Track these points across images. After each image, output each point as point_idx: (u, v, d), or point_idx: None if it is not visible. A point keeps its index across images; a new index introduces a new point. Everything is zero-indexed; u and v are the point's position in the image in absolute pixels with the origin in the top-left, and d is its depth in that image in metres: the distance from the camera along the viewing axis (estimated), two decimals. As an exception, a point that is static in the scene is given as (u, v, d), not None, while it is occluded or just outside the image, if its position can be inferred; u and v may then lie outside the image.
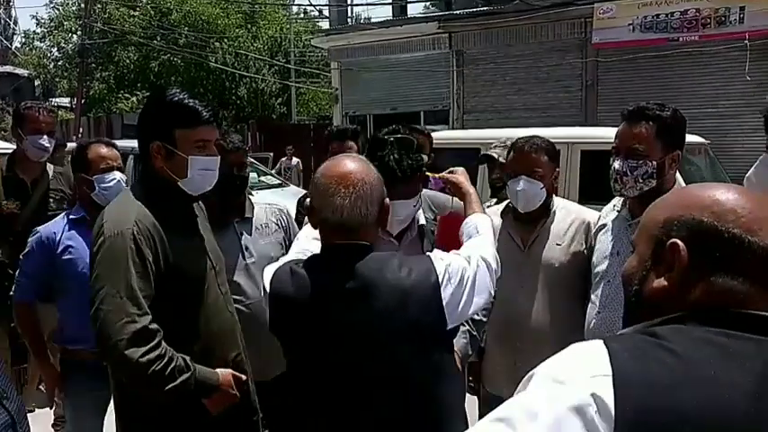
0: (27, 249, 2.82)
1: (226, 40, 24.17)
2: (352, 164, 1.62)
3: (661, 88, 11.91)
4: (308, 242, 1.84)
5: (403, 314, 1.52)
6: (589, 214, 2.54)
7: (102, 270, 1.81)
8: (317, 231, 1.70)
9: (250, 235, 2.72)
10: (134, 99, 24.60)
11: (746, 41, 10.53)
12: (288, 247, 2.78)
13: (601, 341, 0.92)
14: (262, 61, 24.23)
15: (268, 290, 1.63)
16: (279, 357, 2.66)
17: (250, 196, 2.87)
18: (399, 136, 2.05)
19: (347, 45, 15.34)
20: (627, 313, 1.04)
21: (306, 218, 2.31)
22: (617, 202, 2.36)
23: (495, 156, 3.61)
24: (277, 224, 2.82)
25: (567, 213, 2.55)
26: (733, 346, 0.86)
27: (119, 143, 3.17)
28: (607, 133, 5.96)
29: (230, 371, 2.00)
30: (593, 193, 3.89)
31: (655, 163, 2.05)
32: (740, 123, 11.04)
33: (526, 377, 0.93)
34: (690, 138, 6.67)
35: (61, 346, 2.87)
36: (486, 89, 13.98)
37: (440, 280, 1.55)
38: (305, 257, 1.70)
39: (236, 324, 2.12)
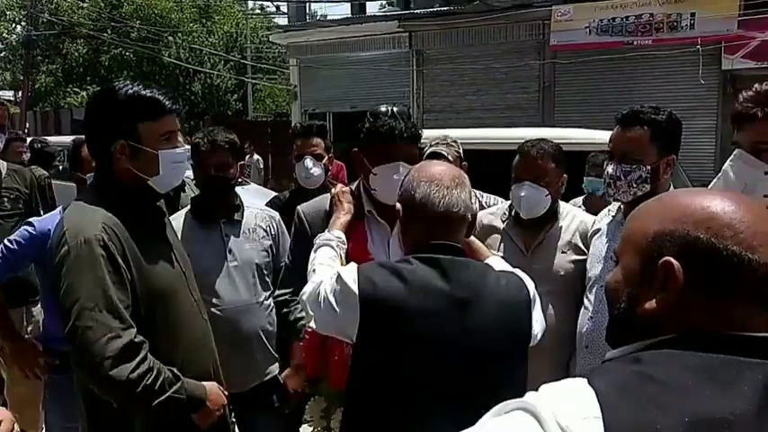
0: (15, 236, 2.69)
1: (180, 34, 23.64)
2: (443, 165, 1.64)
3: (616, 90, 12.19)
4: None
5: (503, 325, 1.51)
6: (590, 220, 2.50)
7: (74, 281, 1.62)
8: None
9: (237, 237, 2.62)
10: (83, 94, 23.81)
11: (699, 46, 10.85)
12: (274, 256, 2.69)
13: (584, 380, 0.83)
14: (217, 57, 23.78)
15: (357, 291, 1.49)
16: (256, 367, 2.59)
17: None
18: (397, 108, 2.05)
19: (306, 42, 15.18)
20: (611, 329, 0.96)
21: (294, 223, 2.23)
22: (612, 206, 2.35)
23: (445, 153, 3.55)
24: (266, 230, 2.71)
25: (573, 220, 2.50)
26: (730, 372, 0.79)
27: (67, 139, 3.05)
28: (562, 134, 6.05)
29: (215, 383, 1.90)
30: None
31: (649, 167, 2.03)
32: (691, 125, 11.33)
33: (505, 405, 0.86)
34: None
35: (46, 347, 2.79)
36: (445, 89, 14.04)
37: (530, 296, 1.57)
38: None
39: (209, 331, 2.01)
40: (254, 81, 24.30)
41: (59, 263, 1.66)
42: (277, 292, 2.33)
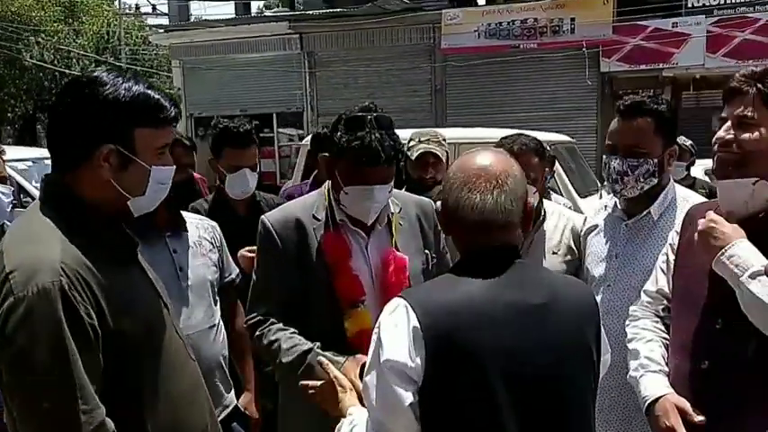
0: None
1: (43, 34, 21.80)
2: (491, 156, 1.39)
3: (505, 92, 12.71)
4: None
5: (579, 333, 1.34)
6: (578, 218, 2.42)
7: (25, 350, 1.21)
8: None
9: (186, 253, 2.24)
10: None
11: (584, 49, 11.51)
12: (222, 271, 2.38)
13: None
14: (87, 59, 22.16)
15: (419, 325, 1.24)
16: (219, 398, 2.23)
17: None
18: (377, 114, 1.82)
19: (190, 43, 14.50)
20: None
21: (259, 235, 1.96)
22: (607, 201, 2.26)
23: (439, 154, 3.41)
24: (211, 242, 2.34)
25: (559, 218, 2.41)
26: None
27: None
28: (452, 134, 6.08)
29: None
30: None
31: (656, 160, 1.94)
32: (575, 125, 12.03)
33: None
34: (560, 137, 7.14)
35: None
36: (338, 92, 13.94)
37: (597, 305, 1.40)
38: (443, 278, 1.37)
39: (200, 380, 1.62)
40: (129, 85, 22.85)
41: (3, 323, 1.23)
42: (248, 316, 1.95)
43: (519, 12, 12.19)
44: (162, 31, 15.58)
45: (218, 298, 2.32)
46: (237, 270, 2.47)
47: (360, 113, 1.80)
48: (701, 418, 1.54)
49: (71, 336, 1.23)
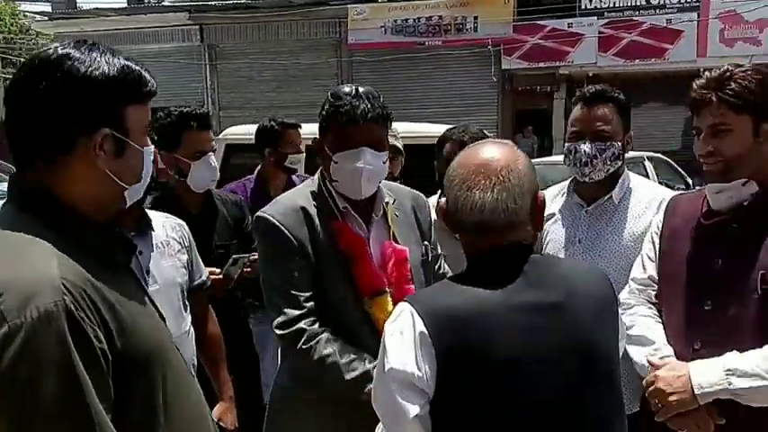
0: None
1: None
2: (494, 149, 1.31)
3: (410, 88, 12.90)
4: None
5: (598, 326, 1.28)
6: None
7: (32, 387, 1.03)
8: None
9: (152, 254, 2.05)
10: None
11: (490, 47, 11.91)
12: (191, 272, 2.21)
13: None
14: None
15: (426, 331, 1.19)
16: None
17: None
18: (361, 88, 1.78)
19: (80, 32, 13.54)
20: None
21: (263, 235, 1.84)
22: (558, 189, 2.32)
23: (399, 146, 3.36)
24: (180, 242, 2.14)
25: None
26: None
27: None
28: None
29: None
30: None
31: (619, 144, 2.06)
32: (477, 120, 12.37)
33: None
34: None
35: None
36: (242, 85, 13.59)
37: (615, 294, 1.35)
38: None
39: (200, 392, 1.44)
40: (5, 76, 21.09)
41: None
42: (278, 322, 1.75)
43: (424, 9, 12.40)
44: (46, 18, 14.47)
45: (187, 303, 2.17)
46: (207, 272, 2.31)
47: (346, 87, 1.77)
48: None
49: (80, 367, 1.03)
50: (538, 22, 12.20)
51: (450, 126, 2.69)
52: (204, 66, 13.48)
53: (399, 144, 3.13)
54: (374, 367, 1.59)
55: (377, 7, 12.51)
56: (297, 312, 1.72)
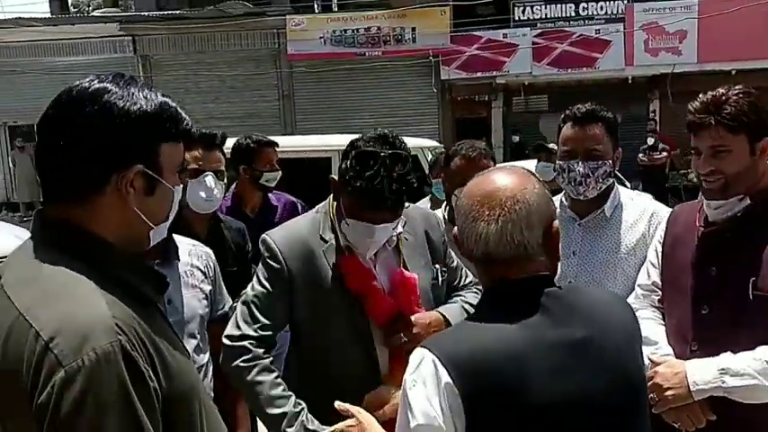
0: None
1: None
2: (502, 177, 1.25)
3: (351, 99, 12.95)
4: None
5: (627, 358, 1.24)
6: None
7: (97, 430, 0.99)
8: None
9: (176, 283, 1.97)
10: None
11: (431, 58, 12.09)
12: (213, 303, 2.09)
13: None
14: None
15: (452, 381, 1.10)
16: None
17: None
18: (392, 152, 1.65)
19: (1, 43, 12.95)
20: None
21: (262, 256, 1.82)
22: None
23: None
24: (204, 272, 2.07)
25: None
26: None
27: None
28: (303, 142, 5.97)
29: None
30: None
31: (610, 162, 2.14)
32: (418, 130, 12.56)
33: None
34: (431, 143, 7.40)
35: None
36: (179, 97, 13.15)
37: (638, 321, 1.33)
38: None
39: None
40: None
41: (50, 403, 0.97)
42: (230, 332, 1.75)
43: (362, 20, 12.49)
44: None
45: (205, 333, 2.09)
46: (231, 302, 2.22)
47: (372, 149, 1.66)
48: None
49: (139, 408, 1.01)
50: (474, 33, 12.51)
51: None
52: (138, 77, 13.07)
53: None
54: (299, 411, 1.63)
55: (315, 18, 12.51)
56: (250, 332, 1.72)
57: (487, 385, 1.09)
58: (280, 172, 3.17)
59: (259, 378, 1.68)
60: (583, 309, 1.22)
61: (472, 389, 1.08)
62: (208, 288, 2.07)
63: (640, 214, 2.16)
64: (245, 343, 1.72)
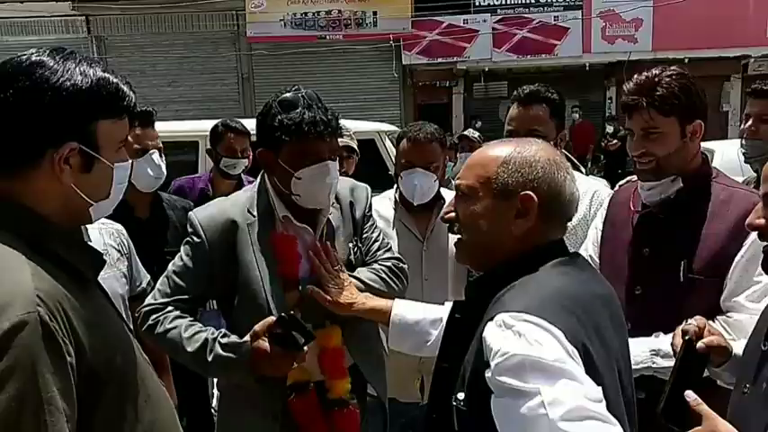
0: None
1: None
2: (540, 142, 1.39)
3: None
4: None
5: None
6: None
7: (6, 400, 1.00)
8: None
9: None
10: None
11: (392, 42, 12.05)
12: (131, 281, 2.13)
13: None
14: None
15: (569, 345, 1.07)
16: None
17: None
18: (305, 91, 1.71)
19: (-57, 22, 12.44)
20: None
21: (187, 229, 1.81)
22: None
23: (355, 147, 3.33)
24: (119, 250, 2.06)
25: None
26: None
27: None
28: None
29: None
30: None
31: (552, 143, 2.18)
32: (381, 114, 12.55)
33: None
34: (388, 126, 7.40)
35: None
36: (134, 80, 12.13)
37: None
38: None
39: (172, 406, 1.39)
40: None
41: None
42: (145, 304, 1.77)
43: (323, 3, 12.36)
44: None
45: (129, 313, 2.09)
46: (149, 277, 2.21)
47: (289, 93, 1.73)
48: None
49: (52, 380, 1.02)
50: (435, 18, 12.50)
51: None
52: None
53: (354, 144, 3.16)
54: (217, 335, 1.64)
55: (275, 0, 12.32)
56: (167, 301, 1.72)
57: (583, 337, 1.10)
58: (245, 160, 3.13)
59: (172, 324, 1.69)
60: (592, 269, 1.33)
61: (574, 341, 1.08)
62: (124, 266, 2.06)
63: (582, 194, 2.23)
64: (155, 305, 1.73)
